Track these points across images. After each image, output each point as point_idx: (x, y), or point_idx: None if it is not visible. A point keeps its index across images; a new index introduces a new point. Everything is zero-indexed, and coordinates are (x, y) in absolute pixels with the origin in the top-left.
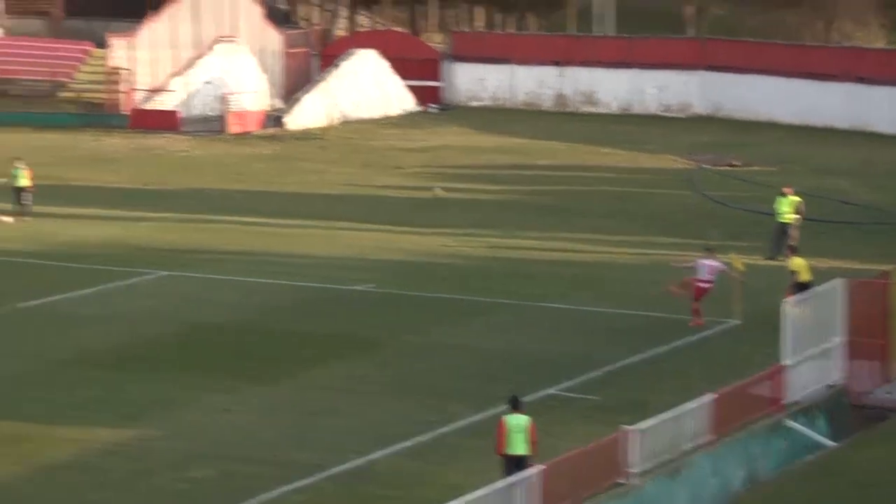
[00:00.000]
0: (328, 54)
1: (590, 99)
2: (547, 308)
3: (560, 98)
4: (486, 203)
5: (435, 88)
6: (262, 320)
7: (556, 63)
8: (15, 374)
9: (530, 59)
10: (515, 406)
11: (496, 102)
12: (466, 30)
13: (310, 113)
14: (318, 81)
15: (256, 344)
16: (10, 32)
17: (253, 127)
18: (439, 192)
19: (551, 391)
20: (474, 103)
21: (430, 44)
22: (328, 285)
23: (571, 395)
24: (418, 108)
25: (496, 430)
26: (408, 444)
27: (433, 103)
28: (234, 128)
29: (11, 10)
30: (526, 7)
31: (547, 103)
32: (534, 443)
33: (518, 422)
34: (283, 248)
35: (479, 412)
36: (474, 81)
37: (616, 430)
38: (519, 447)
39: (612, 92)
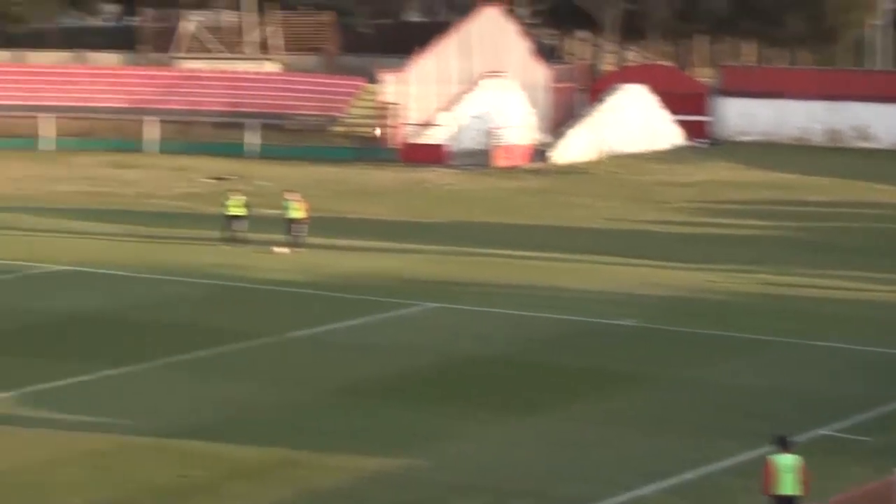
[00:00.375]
0: (595, 89)
1: (863, 134)
2: (815, 346)
3: (832, 133)
4: (754, 239)
5: (702, 123)
6: (524, 353)
7: (828, 98)
8: (286, 401)
9: (801, 93)
10: (783, 445)
11: (765, 137)
12: (735, 64)
13: (576, 147)
14: (584, 116)
15: (519, 376)
16: (288, 68)
17: (519, 161)
18: (377, 132)
19: (821, 431)
20: (743, 138)
21: (697, 78)
22: (591, 319)
23: (842, 435)
24: (686, 143)
25: (762, 470)
26: (673, 480)
27: (701, 138)
28: (500, 162)
29: (290, 47)
30: (797, 42)
31: (818, 138)
32: (805, 483)
33: (787, 461)
34: (547, 281)
35: (744, 451)
36: (743, 116)
37: (892, 474)
38: (788, 487)
39: (888, 127)
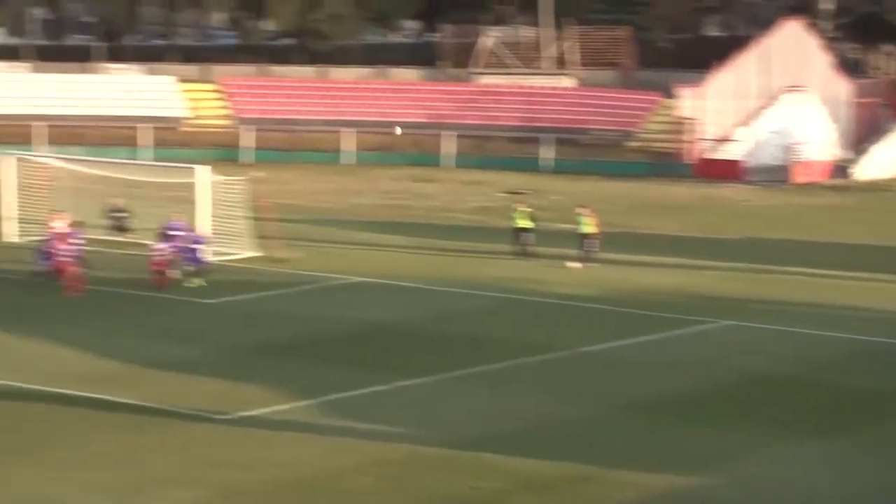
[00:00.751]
0: None
1: None
2: None
3: None
4: None
5: None
6: (819, 372)
7: None
8: (578, 416)
9: None
10: None
11: None
12: None
13: (879, 163)
14: (888, 132)
15: (814, 396)
16: (583, 83)
17: (818, 177)
18: (398, 131)
19: None
20: None
21: None
22: (888, 340)
23: None
24: None
25: None
26: None
27: None
28: (799, 178)
29: (586, 62)
30: None
31: None
32: None
33: None
34: (843, 300)
35: None
36: None
37: None
38: None
39: None
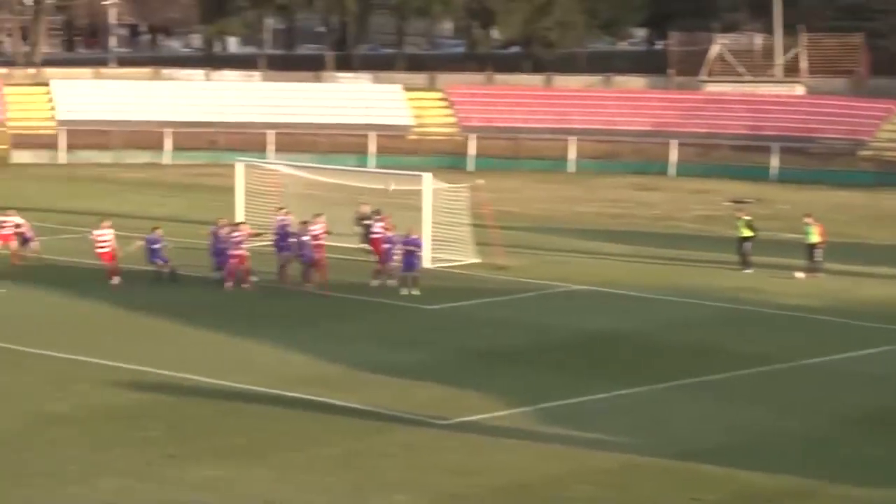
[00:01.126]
0: None
1: None
2: None
3: None
4: None
5: None
6: None
7: None
8: (800, 429)
9: None
10: None
11: None
12: None
13: None
14: None
15: None
16: (812, 91)
17: None
18: (392, 187)
19: None
20: None
21: None
22: None
23: None
24: None
25: None
26: None
27: None
28: None
29: (815, 70)
30: None
31: None
32: None
33: None
34: None
35: None
36: None
37: None
38: None
39: None
